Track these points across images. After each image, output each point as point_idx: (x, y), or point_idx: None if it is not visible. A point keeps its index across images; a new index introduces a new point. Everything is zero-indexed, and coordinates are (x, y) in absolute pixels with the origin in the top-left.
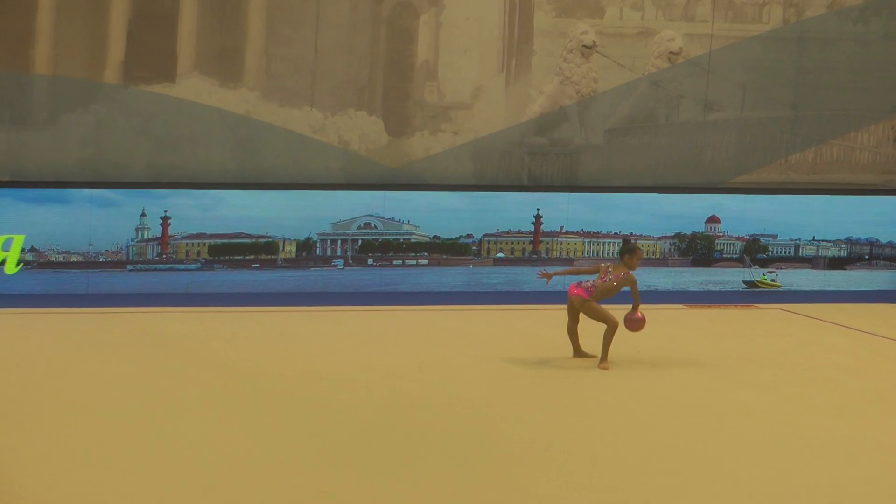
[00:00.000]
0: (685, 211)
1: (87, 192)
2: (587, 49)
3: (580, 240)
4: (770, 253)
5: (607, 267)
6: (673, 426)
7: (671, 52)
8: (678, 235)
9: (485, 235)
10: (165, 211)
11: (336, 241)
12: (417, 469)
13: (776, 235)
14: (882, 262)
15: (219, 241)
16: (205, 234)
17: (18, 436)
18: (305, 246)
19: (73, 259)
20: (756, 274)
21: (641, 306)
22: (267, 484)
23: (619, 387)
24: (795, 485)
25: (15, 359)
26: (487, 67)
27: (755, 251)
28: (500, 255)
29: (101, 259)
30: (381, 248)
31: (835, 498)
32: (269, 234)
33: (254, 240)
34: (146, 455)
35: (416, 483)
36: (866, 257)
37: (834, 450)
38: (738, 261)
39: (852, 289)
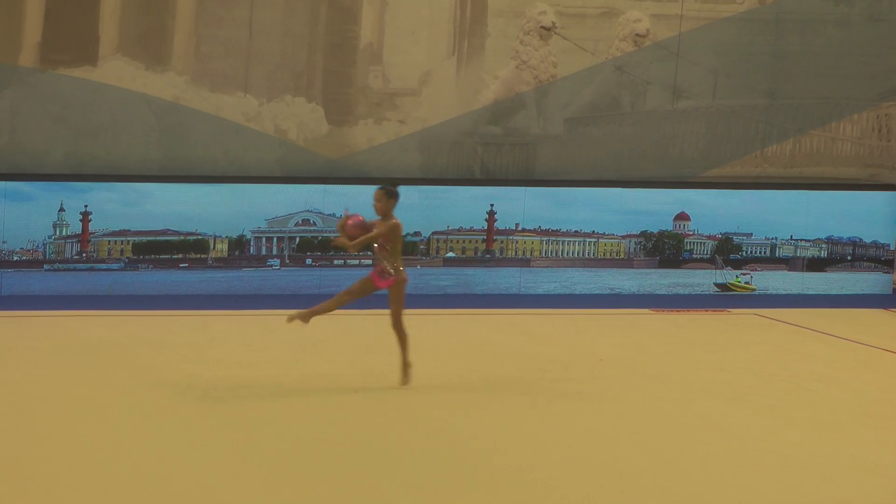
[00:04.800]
0: (652, 207)
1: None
2: (546, 31)
3: (537, 238)
4: (744, 253)
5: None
6: (636, 441)
7: (637, 35)
8: (644, 234)
9: (434, 233)
10: (85, 206)
11: (271, 238)
12: (357, 486)
13: (751, 234)
14: (865, 264)
15: (144, 238)
16: (128, 231)
17: None
18: (238, 244)
19: None
20: (729, 276)
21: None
22: (193, 502)
23: (579, 397)
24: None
25: None
26: (437, 50)
27: (728, 251)
28: (450, 254)
29: (14, 258)
30: (320, 246)
31: None
32: (198, 232)
33: (182, 237)
34: (60, 471)
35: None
36: (848, 258)
37: (811, 467)
38: (710, 262)
39: (833, 292)
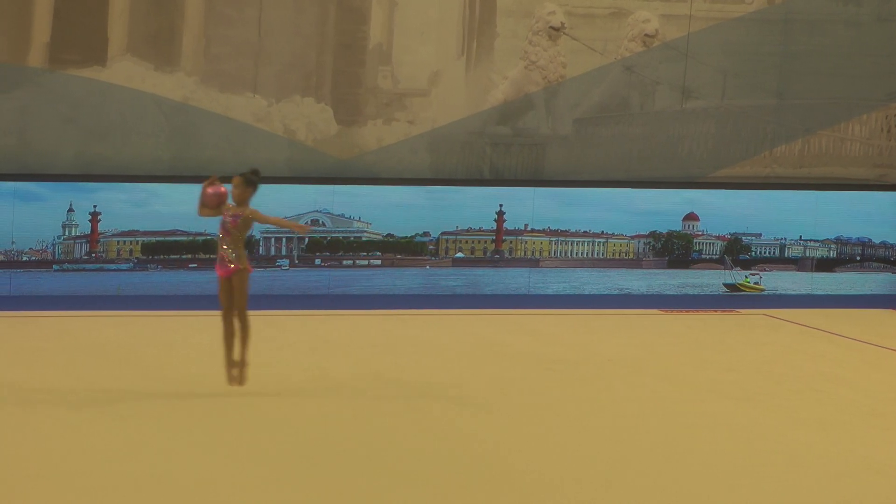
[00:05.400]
0: (661, 207)
1: (9, 185)
2: (555, 31)
3: (546, 238)
4: (753, 253)
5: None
6: (645, 441)
7: (646, 35)
8: (653, 234)
9: (443, 233)
10: (95, 206)
11: (281, 239)
12: (362, 487)
13: (760, 234)
14: (874, 264)
15: (153, 238)
16: (138, 231)
17: None
18: (247, 245)
19: None
20: (738, 276)
21: None
22: (200, 501)
23: (588, 397)
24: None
25: None
26: (446, 51)
27: (737, 251)
28: (459, 254)
29: (24, 258)
30: (329, 247)
31: None
32: (207, 232)
33: (191, 238)
34: (67, 470)
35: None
36: (857, 259)
37: (819, 467)
38: (719, 262)
39: (842, 293)
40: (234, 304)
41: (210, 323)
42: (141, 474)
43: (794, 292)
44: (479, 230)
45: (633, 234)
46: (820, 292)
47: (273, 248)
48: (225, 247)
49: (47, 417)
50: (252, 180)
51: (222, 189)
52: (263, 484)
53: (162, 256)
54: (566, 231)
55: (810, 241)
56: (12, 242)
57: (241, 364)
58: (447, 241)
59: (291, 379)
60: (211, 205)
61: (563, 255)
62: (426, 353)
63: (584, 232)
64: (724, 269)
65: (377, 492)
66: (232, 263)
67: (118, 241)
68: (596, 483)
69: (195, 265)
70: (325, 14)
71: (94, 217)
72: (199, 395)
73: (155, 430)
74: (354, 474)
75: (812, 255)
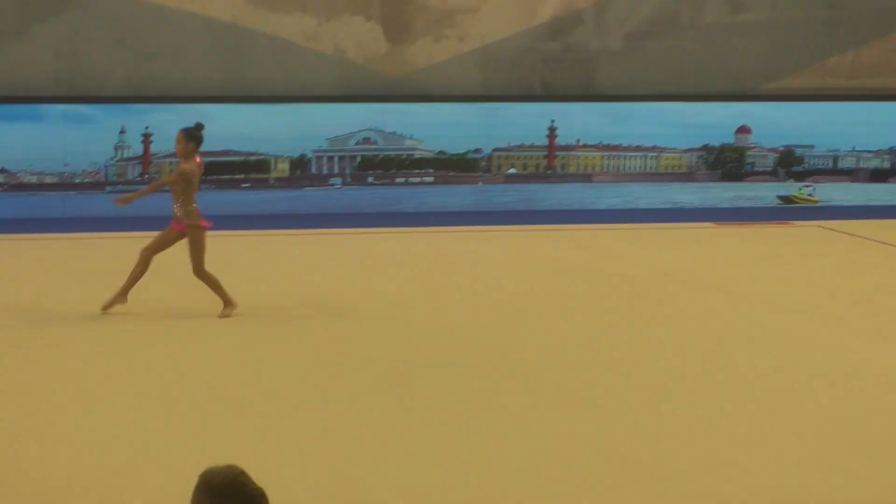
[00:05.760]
0: (713, 121)
1: (61, 107)
2: None
3: (598, 154)
4: (806, 165)
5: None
6: (702, 352)
7: None
8: (706, 148)
9: (494, 150)
10: (146, 127)
11: (333, 158)
12: (421, 404)
13: (812, 146)
14: None
15: (205, 159)
16: None
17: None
18: (299, 164)
19: (48, 181)
20: (791, 188)
21: None
22: (265, 421)
23: (644, 311)
24: (837, 415)
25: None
26: None
27: (790, 163)
28: (511, 170)
29: (77, 180)
30: (381, 165)
31: (883, 428)
32: (259, 152)
33: (243, 158)
34: (133, 390)
35: (420, 419)
36: None
37: (875, 377)
38: (772, 174)
39: None
40: (190, 258)
41: (264, 242)
42: (203, 390)
43: (847, 203)
44: (531, 146)
45: (686, 147)
46: (874, 203)
47: (325, 167)
48: (175, 204)
49: (106, 333)
50: (192, 134)
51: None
52: (319, 395)
53: (215, 177)
54: (618, 146)
55: (864, 152)
56: (65, 165)
57: (225, 303)
58: (499, 157)
59: (347, 297)
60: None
61: (615, 169)
62: (481, 269)
63: (637, 146)
64: (778, 181)
65: (430, 406)
66: (180, 220)
67: (170, 163)
68: (657, 391)
69: (248, 185)
70: None
71: (146, 138)
72: (257, 313)
73: (223, 344)
74: (413, 390)
75: (865, 166)
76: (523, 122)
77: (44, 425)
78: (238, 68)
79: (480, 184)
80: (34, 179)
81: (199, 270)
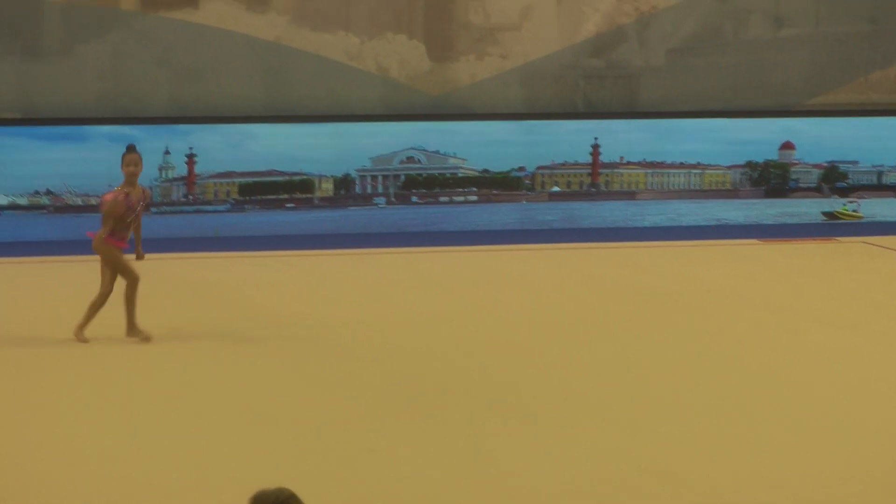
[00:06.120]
0: (756, 137)
1: (105, 128)
2: None
3: (642, 171)
4: (850, 181)
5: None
6: (750, 370)
7: None
8: (749, 164)
9: (538, 168)
10: (190, 148)
11: (376, 177)
12: (467, 423)
13: (857, 162)
14: None
15: (249, 179)
16: (234, 172)
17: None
18: (343, 183)
19: (92, 202)
20: (836, 204)
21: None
22: (311, 441)
23: (689, 328)
24: (888, 431)
25: (37, 311)
26: None
27: (834, 179)
28: (555, 189)
29: None
30: (425, 184)
31: None
32: (303, 171)
33: (287, 177)
34: (180, 409)
35: (462, 436)
36: None
37: None
38: (816, 190)
39: None
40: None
41: (308, 262)
42: (249, 407)
43: (892, 219)
44: (575, 164)
45: (730, 164)
46: None
47: (369, 186)
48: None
49: (147, 354)
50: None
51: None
52: (362, 415)
53: (259, 197)
54: (662, 163)
55: None
56: (109, 186)
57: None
58: (543, 175)
59: (391, 316)
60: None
61: (659, 186)
62: (525, 287)
63: (680, 163)
64: (822, 197)
65: (476, 425)
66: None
67: (215, 183)
68: (701, 409)
69: (292, 205)
70: None
71: (191, 159)
72: (301, 333)
73: (268, 365)
74: (456, 408)
75: None
76: (567, 140)
77: (88, 447)
78: (281, 87)
79: (524, 202)
80: (79, 201)
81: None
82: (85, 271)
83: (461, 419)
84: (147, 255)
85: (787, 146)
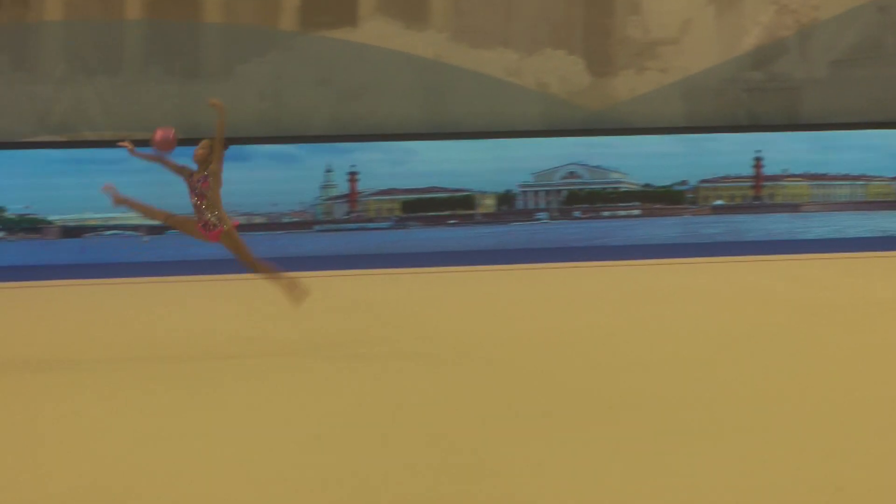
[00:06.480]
0: None
1: (266, 148)
2: None
3: (806, 183)
4: None
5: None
6: None
7: None
8: None
9: (701, 181)
10: (352, 165)
11: (538, 192)
12: (642, 440)
13: None
14: None
15: (411, 196)
16: (396, 189)
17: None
18: (505, 199)
19: (256, 220)
20: None
21: None
22: (481, 455)
23: (854, 342)
24: None
25: (204, 328)
26: None
27: None
28: (718, 202)
29: (285, 220)
30: (587, 199)
31: None
32: (465, 188)
33: (449, 194)
34: (358, 426)
35: (642, 454)
36: None
37: None
38: None
39: None
40: (240, 260)
41: (471, 278)
42: (423, 423)
43: None
44: (738, 177)
45: (894, 175)
46: None
47: (531, 202)
48: (205, 209)
49: (312, 370)
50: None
51: (171, 134)
52: (546, 437)
53: (421, 214)
54: (825, 175)
55: None
56: (273, 205)
57: (289, 287)
58: (705, 188)
59: (555, 331)
60: (163, 149)
61: (823, 198)
62: (689, 301)
63: (844, 175)
64: None
65: (643, 440)
66: (216, 226)
67: (377, 200)
68: (874, 427)
69: (454, 221)
70: None
71: (352, 177)
72: (466, 350)
73: (434, 381)
74: (628, 420)
75: None
76: (729, 153)
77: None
78: (441, 105)
79: (687, 216)
80: (243, 220)
81: (253, 263)
82: (246, 289)
83: (635, 435)
84: (310, 274)
85: None
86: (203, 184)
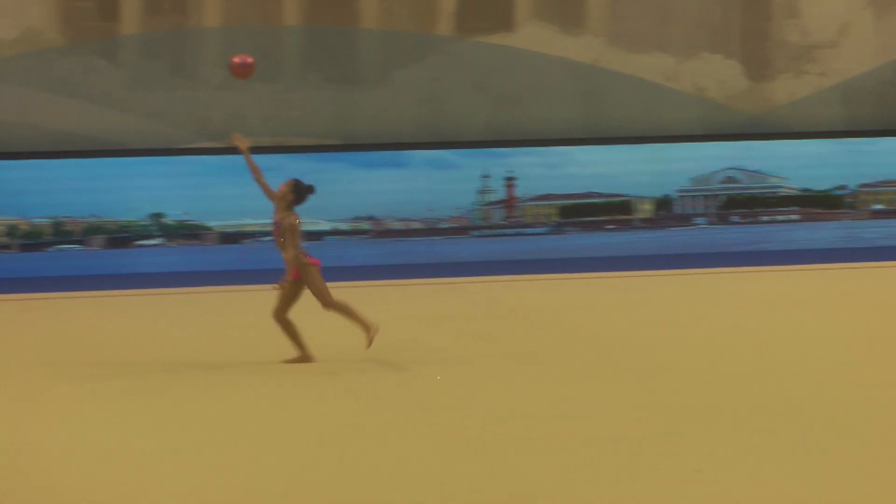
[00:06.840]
0: None
1: (423, 153)
2: None
3: None
4: None
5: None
6: None
7: None
8: None
9: (861, 185)
10: (509, 171)
11: (696, 197)
12: (802, 445)
13: None
14: None
15: (569, 202)
16: (553, 194)
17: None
18: (663, 204)
19: (413, 226)
20: None
21: None
22: (639, 459)
23: None
24: None
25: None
26: (853, 1)
27: None
28: (878, 206)
29: (442, 225)
30: (746, 203)
31: None
32: (622, 193)
33: (607, 199)
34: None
35: (801, 460)
36: None
37: None
38: None
39: None
40: (317, 299)
41: (630, 283)
42: (577, 427)
43: None
44: None
45: None
46: None
47: (689, 207)
48: (280, 248)
49: (459, 376)
50: (300, 189)
51: (249, 59)
52: (701, 441)
53: (579, 219)
54: None
55: None
56: (430, 210)
57: (365, 329)
58: (865, 193)
59: (715, 336)
60: (240, 75)
61: None
62: (850, 306)
63: None
64: None
65: (807, 448)
66: (290, 266)
67: (535, 206)
68: None
69: (612, 226)
70: None
71: (510, 182)
72: (622, 356)
73: (591, 387)
74: (789, 426)
75: None
76: (889, 157)
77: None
78: (598, 109)
79: (847, 220)
80: (401, 225)
81: (330, 303)
82: (402, 294)
83: (795, 441)
84: (467, 279)
85: None
86: (275, 230)
